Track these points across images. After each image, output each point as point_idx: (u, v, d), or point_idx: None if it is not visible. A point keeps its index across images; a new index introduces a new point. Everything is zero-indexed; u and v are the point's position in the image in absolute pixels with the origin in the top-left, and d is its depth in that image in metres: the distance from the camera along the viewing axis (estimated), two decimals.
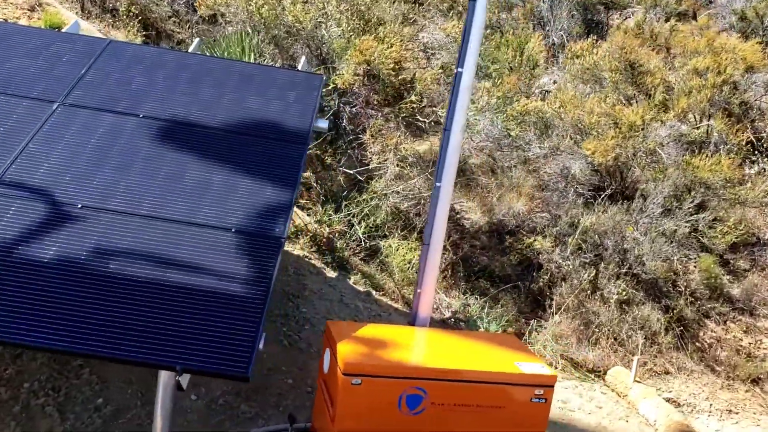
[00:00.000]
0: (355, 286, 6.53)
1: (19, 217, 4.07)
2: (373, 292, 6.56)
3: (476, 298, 7.01)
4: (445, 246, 7.27)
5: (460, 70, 4.66)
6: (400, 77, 6.71)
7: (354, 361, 4.15)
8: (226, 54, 7.16)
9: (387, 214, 6.98)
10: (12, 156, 4.50)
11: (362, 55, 6.61)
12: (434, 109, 7.31)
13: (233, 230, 4.34)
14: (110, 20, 8.35)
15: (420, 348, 4.61)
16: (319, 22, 7.07)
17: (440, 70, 7.22)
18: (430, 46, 7.40)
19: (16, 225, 4.02)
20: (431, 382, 4.20)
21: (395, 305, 6.59)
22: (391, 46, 6.73)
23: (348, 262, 6.68)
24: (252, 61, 7.15)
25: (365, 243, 6.66)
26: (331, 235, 6.56)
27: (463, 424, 4.29)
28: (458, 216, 8.41)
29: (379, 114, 6.76)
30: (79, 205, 4.26)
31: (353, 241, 6.73)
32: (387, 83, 6.79)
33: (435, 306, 6.75)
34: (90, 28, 7.90)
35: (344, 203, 6.80)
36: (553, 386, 4.38)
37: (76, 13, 8.34)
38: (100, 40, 5.95)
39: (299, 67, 6.26)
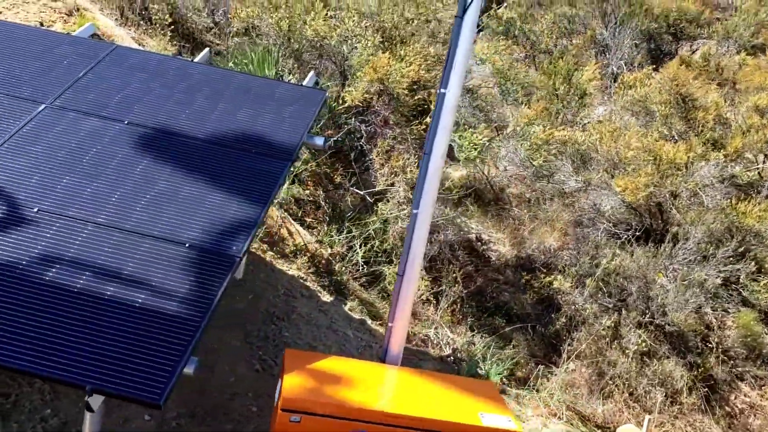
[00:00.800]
0: (350, 312, 6.24)
1: None
2: (369, 321, 6.25)
3: (483, 336, 6.58)
4: (455, 278, 6.91)
5: (443, 90, 4.34)
6: (416, 97, 6.42)
7: (294, 397, 3.86)
8: (246, 67, 7.07)
9: (394, 239, 6.66)
10: None
11: (375, 73, 6.36)
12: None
13: (187, 245, 4.13)
14: (146, 28, 8.43)
15: (376, 388, 4.27)
16: (345, 37, 6.88)
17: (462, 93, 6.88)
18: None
19: None
20: (377, 426, 3.86)
21: None
22: (410, 65, 6.45)
23: (346, 286, 6.40)
24: (271, 75, 7.03)
25: (364, 268, 6.36)
26: (330, 257, 6.31)
27: None
28: (485, 247, 8.01)
29: (388, 133, 6.48)
30: (36, 209, 4.15)
31: (354, 265, 6.45)
32: (401, 103, 6.52)
33: (435, 342, 6.38)
34: (123, 35, 7.99)
35: (348, 224, 6.53)
36: None
37: (116, 19, 8.46)
38: (105, 45, 5.94)
39: (305, 82, 6.07)
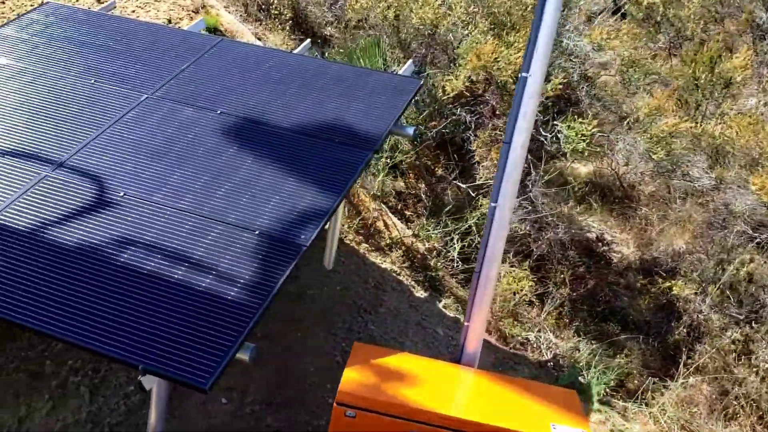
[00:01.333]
0: (443, 309, 6.03)
1: (63, 200, 4.23)
2: (464, 320, 5.99)
3: (591, 343, 6.12)
4: (563, 279, 6.49)
5: (524, 75, 4.03)
6: None
7: (350, 391, 3.74)
8: (355, 59, 7.05)
9: None
10: (83, 143, 4.72)
11: (478, 60, 6.07)
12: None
13: (257, 232, 4.15)
14: (268, 24, 8.65)
15: (441, 389, 4.04)
16: (453, 24, 6.66)
17: (576, 81, 6.40)
18: (576, 55, 6.62)
19: (57, 207, 4.18)
20: (434, 428, 3.66)
21: (486, 337, 5.97)
22: (518, 51, 6.12)
23: (441, 283, 6.19)
24: (378, 65, 6.96)
25: (460, 264, 6.11)
26: (426, 252, 6.13)
27: None
28: (606, 249, 7.50)
29: (496, 123, 6.17)
30: (122, 194, 4.33)
31: (450, 261, 6.23)
32: (508, 91, 6.18)
33: (536, 345, 6.02)
34: (244, 30, 8.25)
35: (447, 219, 6.31)
36: None
37: (240, 15, 8.76)
38: (211, 39, 6.12)
39: (402, 71, 5.92)
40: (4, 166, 4.47)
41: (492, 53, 6.00)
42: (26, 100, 5.06)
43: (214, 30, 8.16)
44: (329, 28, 8.91)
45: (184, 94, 5.30)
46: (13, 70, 5.38)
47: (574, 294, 6.46)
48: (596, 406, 5.59)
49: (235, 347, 3.50)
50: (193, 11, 8.44)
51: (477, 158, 6.27)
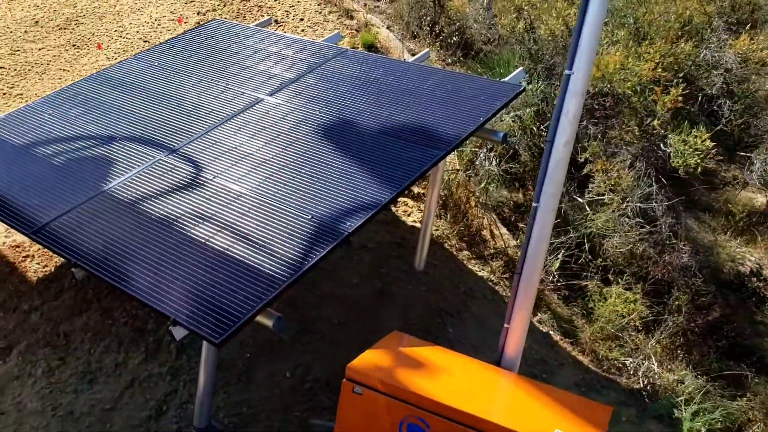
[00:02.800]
0: (537, 324, 5.87)
1: (165, 180, 4.91)
2: (555, 336, 5.79)
3: (699, 377, 5.57)
4: (679, 306, 5.98)
5: (568, 72, 3.92)
6: (649, 98, 5.69)
7: (359, 368, 3.88)
8: (493, 71, 7.15)
9: (610, 252, 6.04)
10: (197, 135, 5.41)
11: (597, 71, 5.82)
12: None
13: (310, 217, 4.47)
14: (427, 41, 9.03)
15: (457, 382, 4.00)
16: None
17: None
18: (704, 66, 6.05)
19: (160, 185, 4.86)
20: (434, 416, 3.66)
21: (577, 357, 5.70)
22: (646, 62, 5.78)
23: (540, 297, 6.02)
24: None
25: (560, 280, 5.88)
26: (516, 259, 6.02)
27: None
28: (740, 271, 6.76)
29: (608, 134, 5.84)
30: (212, 177, 4.92)
31: (551, 275, 6.03)
32: (628, 104, 5.84)
33: (633, 372, 5.62)
34: (398, 46, 8.69)
35: (554, 231, 6.12)
36: None
37: (401, 33, 9.23)
38: (337, 49, 6.60)
39: (508, 78, 5.90)
40: (131, 149, 5.29)
41: (614, 64, 5.75)
42: (166, 97, 5.91)
43: (370, 46, 8.72)
44: (485, 45, 9.06)
45: (295, 96, 5.82)
46: (167, 73, 6.31)
47: (692, 324, 5.88)
48: None
49: (251, 313, 3.83)
50: (356, 30, 9.10)
51: (587, 170, 6.00)
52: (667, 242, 5.96)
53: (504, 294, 6.01)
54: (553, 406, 3.91)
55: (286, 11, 9.60)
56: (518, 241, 6.31)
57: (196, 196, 4.72)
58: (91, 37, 9.12)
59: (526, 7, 7.01)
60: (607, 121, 6.04)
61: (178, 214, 4.55)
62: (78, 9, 9.86)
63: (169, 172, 4.99)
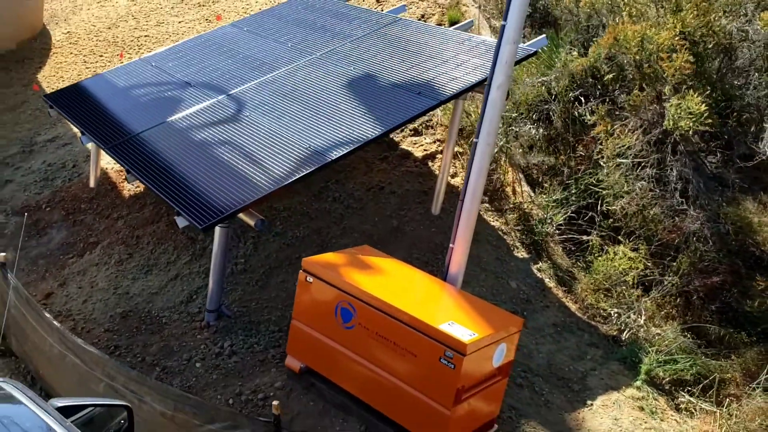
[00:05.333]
0: (536, 271, 6.35)
1: (215, 114, 6.07)
2: (548, 282, 6.24)
3: (686, 336, 5.79)
4: (680, 268, 6.18)
5: (503, 23, 4.49)
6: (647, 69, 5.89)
7: (312, 261, 4.74)
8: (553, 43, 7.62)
9: (620, 213, 6.36)
10: (250, 82, 6.53)
11: (612, 40, 6.08)
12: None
13: (307, 146, 5.41)
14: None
15: (390, 282, 4.71)
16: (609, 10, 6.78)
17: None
18: (736, 36, 6.01)
19: (210, 117, 6.03)
20: (360, 302, 4.44)
21: (565, 302, 6.12)
22: (667, 31, 5.98)
23: (543, 247, 6.48)
24: (558, 46, 7.44)
25: (565, 233, 6.30)
26: (535, 216, 6.52)
27: (381, 357, 4.36)
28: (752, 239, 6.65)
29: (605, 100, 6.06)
30: (248, 114, 6.00)
31: (556, 228, 6.46)
32: (641, 72, 6.05)
33: (615, 322, 5.96)
34: (484, 23, 9.29)
35: (567, 192, 6.54)
36: (464, 354, 3.99)
37: (488, 11, 9.80)
38: (389, 17, 7.42)
39: (527, 43, 6.39)
40: (199, 92, 6.51)
41: (633, 33, 6.02)
42: (240, 54, 7.10)
43: (454, 23, 9.42)
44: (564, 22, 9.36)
45: (338, 56, 6.76)
46: (250, 35, 7.50)
47: (690, 287, 6.03)
48: (638, 383, 5.33)
49: (232, 210, 4.84)
50: (446, 8, 9.82)
51: (595, 132, 6.29)
52: (678, 207, 6.16)
53: (510, 243, 6.55)
54: (467, 308, 4.52)
55: None
56: (537, 196, 6.79)
57: (229, 126, 5.83)
58: (222, 12, 10.64)
59: None
60: (619, 87, 6.32)
61: (209, 139, 5.68)
62: None
63: (219, 109, 6.15)
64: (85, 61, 9.81)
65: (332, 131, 5.53)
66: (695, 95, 5.49)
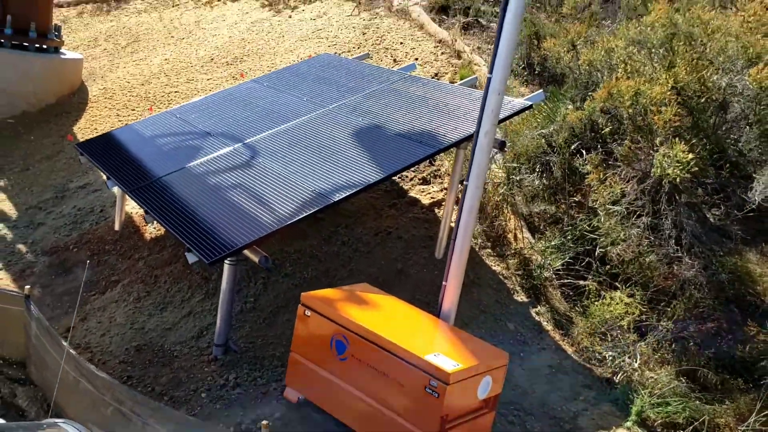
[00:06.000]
0: (533, 314, 6.55)
1: (230, 160, 6.50)
2: (546, 326, 6.42)
3: (685, 383, 5.90)
4: (683, 317, 6.33)
5: (489, 75, 4.85)
6: (651, 117, 6.16)
7: (310, 296, 5.03)
8: (554, 97, 7.99)
9: (617, 260, 6.56)
10: (265, 132, 6.96)
11: (607, 94, 6.39)
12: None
13: (312, 190, 5.77)
14: (524, 76, 9.95)
15: (384, 317, 4.97)
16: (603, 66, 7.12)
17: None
18: (724, 90, 6.27)
19: (225, 163, 6.45)
20: (353, 334, 4.71)
21: (562, 345, 6.28)
22: (659, 86, 6.28)
23: (542, 292, 6.68)
24: (559, 101, 7.79)
25: (566, 278, 6.50)
26: (534, 261, 6.75)
27: (372, 388, 4.60)
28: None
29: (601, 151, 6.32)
30: (261, 161, 6.41)
31: (555, 273, 6.67)
32: (634, 124, 6.32)
33: (610, 365, 6.09)
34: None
35: (563, 239, 6.77)
36: (447, 383, 4.22)
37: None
38: (399, 74, 7.86)
39: (525, 97, 6.75)
40: (217, 140, 6.96)
41: (627, 89, 6.34)
42: (258, 107, 7.57)
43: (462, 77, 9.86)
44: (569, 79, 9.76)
45: (348, 108, 7.18)
46: (270, 90, 7.99)
47: (684, 333, 6.15)
48: (629, 423, 5.43)
49: (237, 247, 5.19)
50: (459, 67, 10.29)
51: (588, 180, 6.55)
52: (673, 254, 6.33)
53: (510, 287, 6.77)
54: (454, 342, 4.76)
55: (406, 53, 11.05)
56: (536, 243, 7.03)
57: (242, 171, 6.23)
58: (248, 71, 11.25)
59: (577, 41, 7.75)
60: (617, 139, 6.61)
61: (223, 182, 6.08)
62: (246, 50, 12.14)
63: (235, 156, 6.57)
64: (118, 115, 10.43)
65: (337, 176, 5.89)
66: (681, 144, 5.75)
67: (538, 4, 11.71)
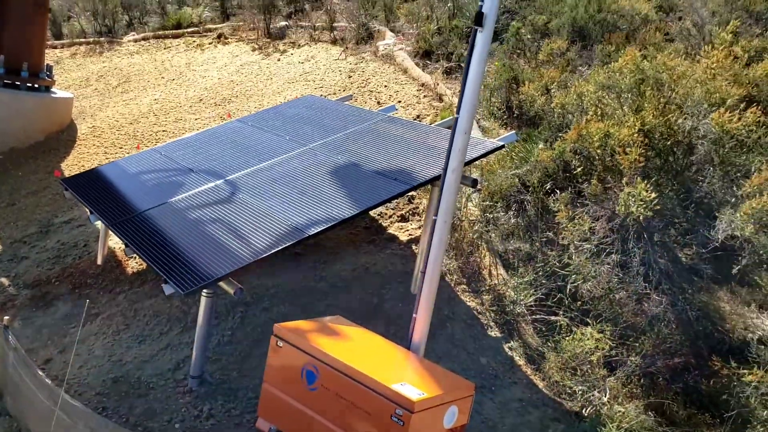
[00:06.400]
0: (507, 349, 6.66)
1: (211, 195, 6.67)
2: (519, 361, 6.54)
3: (653, 418, 6.00)
4: (652, 353, 6.46)
5: (456, 116, 5.07)
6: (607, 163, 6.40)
7: (282, 327, 5.14)
8: (529, 138, 8.23)
9: (587, 296, 6.72)
10: (246, 169, 7.16)
11: (577, 136, 6.64)
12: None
13: (288, 224, 5.93)
14: (503, 119, 10.20)
15: (353, 348, 5.08)
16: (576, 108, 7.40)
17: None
18: (689, 133, 6.54)
19: (206, 198, 6.63)
20: (322, 364, 4.82)
21: (533, 379, 6.39)
22: (625, 128, 6.53)
23: (516, 327, 6.82)
24: (535, 141, 8.04)
25: (537, 314, 6.64)
26: (507, 297, 6.89)
27: (341, 417, 4.68)
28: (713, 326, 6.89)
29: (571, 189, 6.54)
30: (241, 196, 6.58)
31: (529, 308, 6.81)
32: (604, 165, 6.56)
33: (579, 399, 6.20)
34: (485, 125, 9.98)
35: (536, 274, 6.94)
36: (412, 411, 4.32)
37: (482, 114, 10.51)
38: (379, 115, 8.11)
39: (498, 138, 6.98)
40: (199, 177, 7.14)
41: (597, 131, 6.59)
42: (240, 145, 7.78)
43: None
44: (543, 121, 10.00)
45: (328, 147, 7.40)
46: (253, 130, 8.21)
47: (652, 368, 6.28)
48: None
49: (213, 279, 5.33)
50: (440, 109, 10.57)
51: (558, 218, 6.75)
52: (641, 291, 6.50)
53: (485, 322, 6.90)
54: (421, 372, 4.87)
55: (390, 95, 11.36)
56: (512, 280, 7.19)
57: (222, 206, 6.40)
58: (236, 111, 11.51)
59: (551, 85, 8.05)
60: (587, 180, 6.83)
61: (202, 217, 6.24)
62: (234, 91, 12.43)
63: (215, 191, 6.74)
64: (105, 152, 10.63)
65: (314, 210, 6.07)
66: (643, 183, 5.97)
67: (518, 51, 12.07)
